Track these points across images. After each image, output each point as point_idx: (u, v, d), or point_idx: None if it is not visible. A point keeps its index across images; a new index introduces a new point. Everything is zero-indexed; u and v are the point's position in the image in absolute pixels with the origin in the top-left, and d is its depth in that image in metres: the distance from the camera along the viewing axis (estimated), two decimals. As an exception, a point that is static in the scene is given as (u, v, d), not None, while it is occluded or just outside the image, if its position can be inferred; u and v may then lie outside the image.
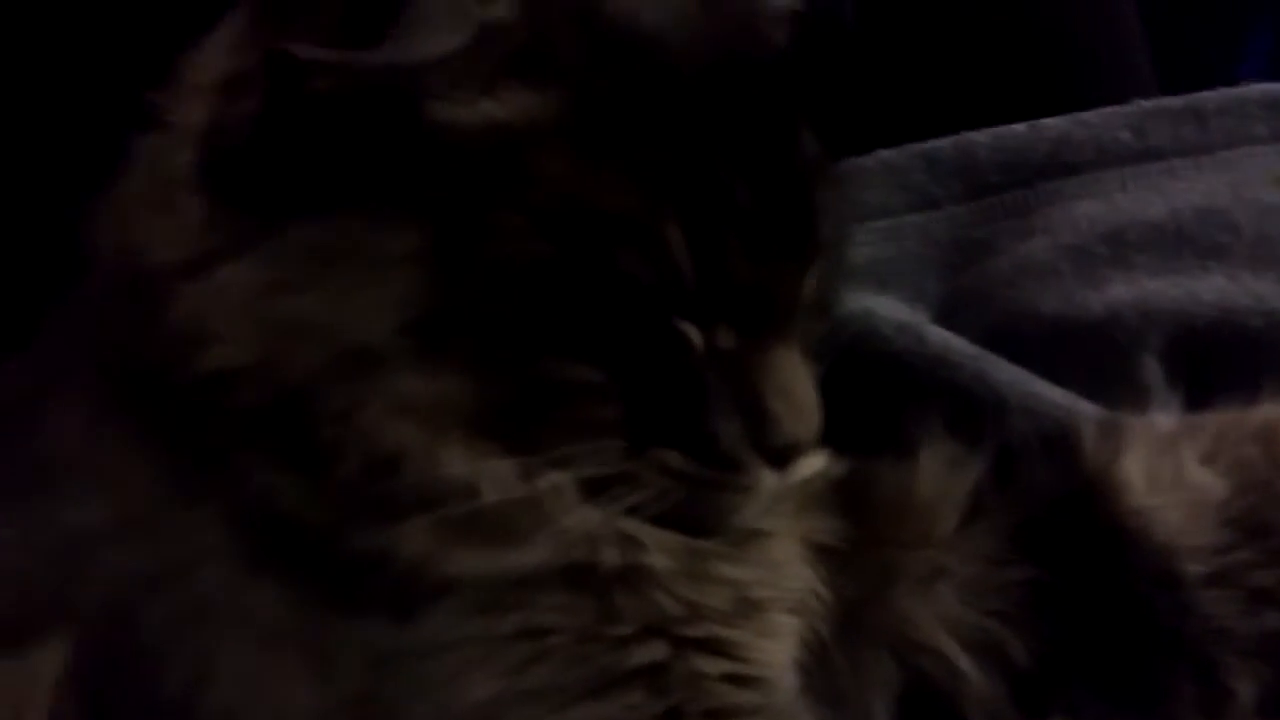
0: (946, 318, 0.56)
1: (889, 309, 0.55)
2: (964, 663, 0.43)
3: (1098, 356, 0.50)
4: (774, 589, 0.42)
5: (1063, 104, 0.57)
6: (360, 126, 0.37)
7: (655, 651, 0.39)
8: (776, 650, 0.42)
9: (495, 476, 0.38)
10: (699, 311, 0.38)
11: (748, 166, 0.39)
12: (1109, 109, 0.55)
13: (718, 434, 0.39)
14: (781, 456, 0.40)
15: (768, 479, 0.40)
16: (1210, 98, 0.53)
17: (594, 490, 0.39)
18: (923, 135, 0.59)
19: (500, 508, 0.38)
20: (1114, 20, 0.68)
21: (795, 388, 0.40)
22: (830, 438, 0.43)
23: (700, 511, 0.41)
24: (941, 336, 0.53)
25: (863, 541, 0.45)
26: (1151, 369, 0.50)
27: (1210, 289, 0.49)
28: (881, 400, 0.49)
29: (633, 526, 0.40)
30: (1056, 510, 0.45)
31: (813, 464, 0.42)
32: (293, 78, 0.36)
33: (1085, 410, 0.48)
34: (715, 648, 0.40)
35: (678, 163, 0.37)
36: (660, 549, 0.40)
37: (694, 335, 0.39)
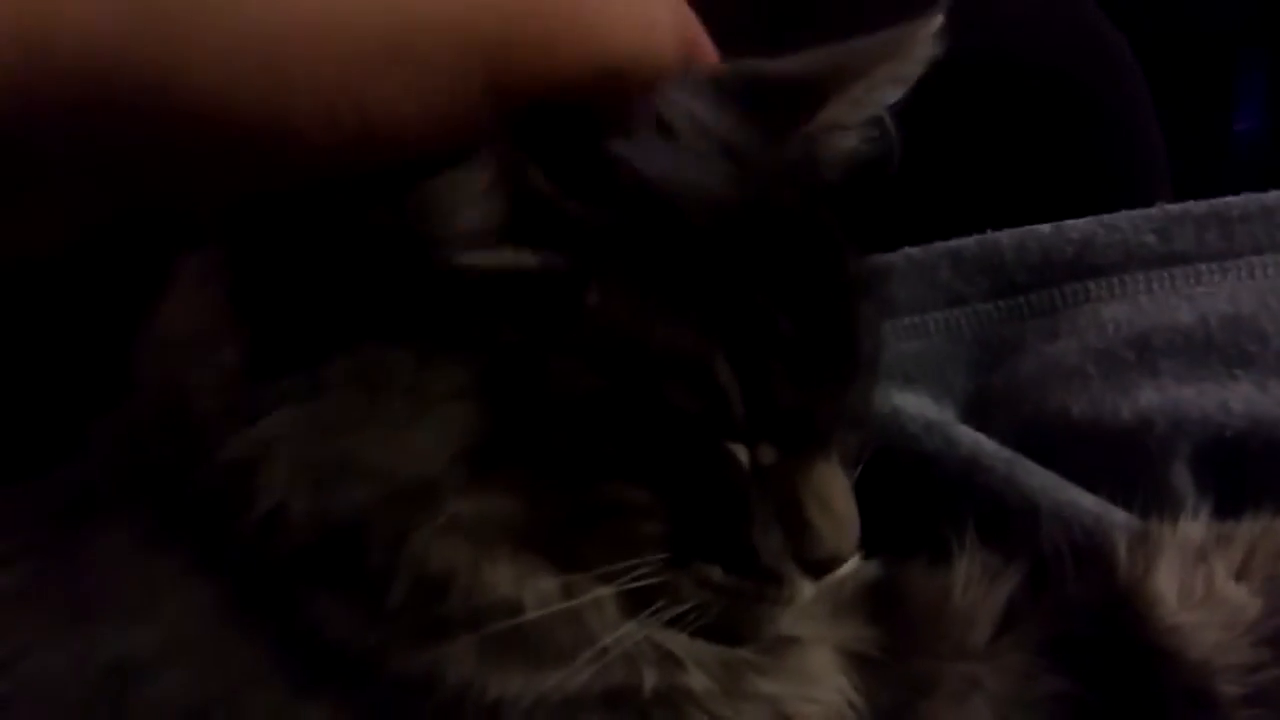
0: (974, 416, 0.56)
1: (916, 406, 0.56)
2: None
3: (1128, 463, 0.51)
4: (810, 702, 0.43)
5: (1087, 206, 0.57)
6: (398, 276, 0.38)
7: None
8: None
9: (539, 592, 0.39)
10: (744, 432, 0.39)
11: (792, 297, 0.40)
12: (1134, 212, 0.55)
13: (758, 548, 0.40)
14: (820, 568, 0.41)
15: (807, 590, 0.41)
16: (1235, 203, 0.54)
17: (635, 605, 0.40)
18: (946, 235, 0.59)
19: (542, 625, 0.38)
20: (1141, 117, 0.69)
21: (835, 501, 0.41)
22: (862, 536, 0.43)
23: (739, 622, 0.41)
24: (972, 438, 0.54)
25: (897, 650, 0.46)
26: (1181, 476, 0.50)
27: (1239, 398, 0.50)
28: (911, 500, 0.49)
29: (671, 641, 0.40)
30: (1090, 624, 0.45)
31: (850, 566, 0.43)
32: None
33: (1117, 518, 0.49)
34: None
35: (723, 298, 0.39)
36: (698, 666, 0.40)
37: (741, 455, 0.39)
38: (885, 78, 0.44)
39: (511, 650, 0.38)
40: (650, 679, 0.39)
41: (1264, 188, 0.56)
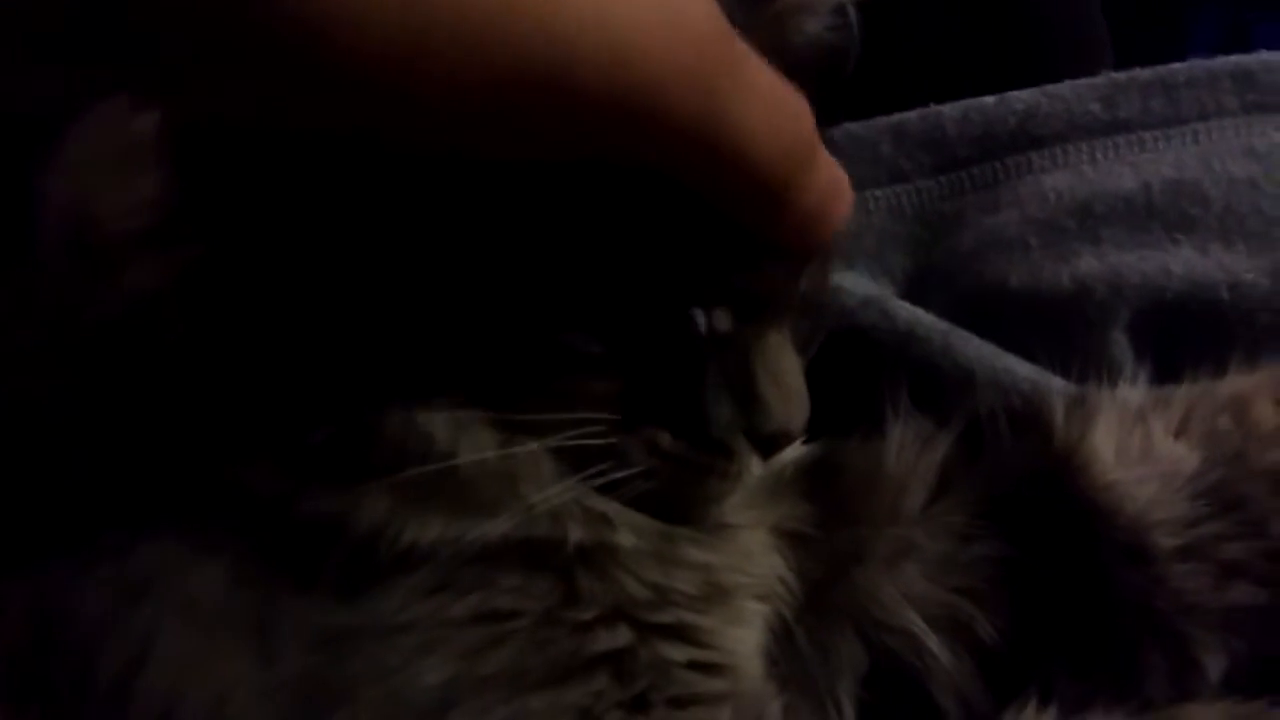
0: (914, 292, 0.55)
1: (855, 284, 0.54)
2: (931, 641, 0.43)
3: (1066, 330, 0.50)
4: (743, 575, 0.42)
5: (1030, 78, 0.56)
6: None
7: (619, 637, 0.38)
8: (744, 637, 0.41)
9: (475, 439, 0.37)
10: (701, 295, 0.38)
11: None
12: (1078, 81, 0.54)
13: (709, 417, 0.39)
14: (770, 444, 0.40)
15: (755, 466, 0.40)
16: (1180, 70, 0.53)
17: (576, 464, 0.38)
18: (888, 109, 0.58)
19: (471, 473, 0.37)
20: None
21: (786, 375, 0.40)
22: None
23: (683, 495, 0.40)
24: (909, 311, 0.52)
25: (831, 523, 0.45)
26: (1120, 342, 0.49)
27: (1180, 261, 0.49)
28: (849, 375, 0.48)
29: (602, 503, 0.39)
30: (1026, 485, 0.44)
31: (792, 451, 0.42)
32: None
33: (1054, 384, 0.48)
34: (682, 634, 0.39)
35: None
36: (629, 528, 0.39)
37: (698, 318, 0.38)
38: None
39: (432, 497, 0.37)
40: (575, 534, 0.38)
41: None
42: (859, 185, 0.56)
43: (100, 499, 0.37)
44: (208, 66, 0.28)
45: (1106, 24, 0.72)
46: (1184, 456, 0.43)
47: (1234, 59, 0.52)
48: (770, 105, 0.34)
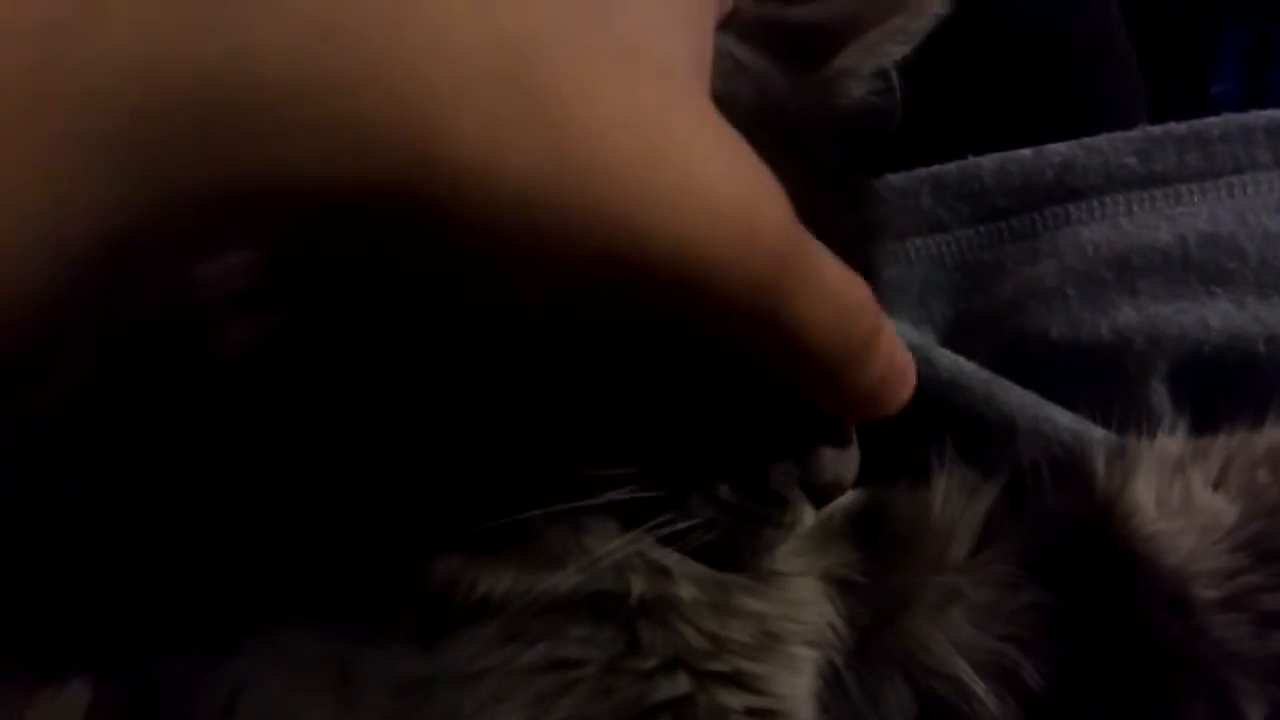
0: (955, 341, 0.56)
1: (898, 332, 0.55)
2: (978, 687, 0.44)
3: (1106, 381, 0.51)
4: (794, 623, 0.43)
5: (1068, 130, 0.57)
6: None
7: (679, 685, 0.39)
8: (796, 684, 0.43)
9: (544, 490, 0.38)
10: None
11: (815, 230, 0.39)
12: (1114, 134, 0.55)
13: (767, 470, 0.40)
14: (824, 495, 0.42)
15: (808, 515, 0.42)
16: (1215, 124, 0.54)
17: (639, 516, 0.40)
18: (929, 160, 0.59)
19: (540, 528, 0.38)
20: (1112, 49, 0.69)
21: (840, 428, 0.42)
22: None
23: (739, 544, 0.42)
24: (951, 360, 0.54)
25: (879, 570, 0.46)
26: (1159, 393, 0.50)
27: (1217, 315, 0.50)
28: (893, 423, 0.50)
29: (662, 554, 0.40)
30: (1068, 535, 0.45)
31: (843, 499, 0.44)
32: None
33: (1095, 434, 0.49)
34: (738, 681, 0.41)
35: None
36: (688, 580, 0.41)
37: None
38: (898, 28, 0.45)
39: (504, 550, 0.38)
40: (638, 587, 0.40)
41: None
42: (900, 235, 0.58)
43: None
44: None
45: (1138, 41, 0.73)
46: (1223, 509, 0.44)
47: (1267, 114, 0.54)
48: (833, 299, 0.35)
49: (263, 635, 0.38)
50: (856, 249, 0.43)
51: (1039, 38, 0.69)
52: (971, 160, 0.58)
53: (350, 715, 0.38)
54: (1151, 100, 0.73)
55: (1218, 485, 0.45)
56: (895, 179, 0.59)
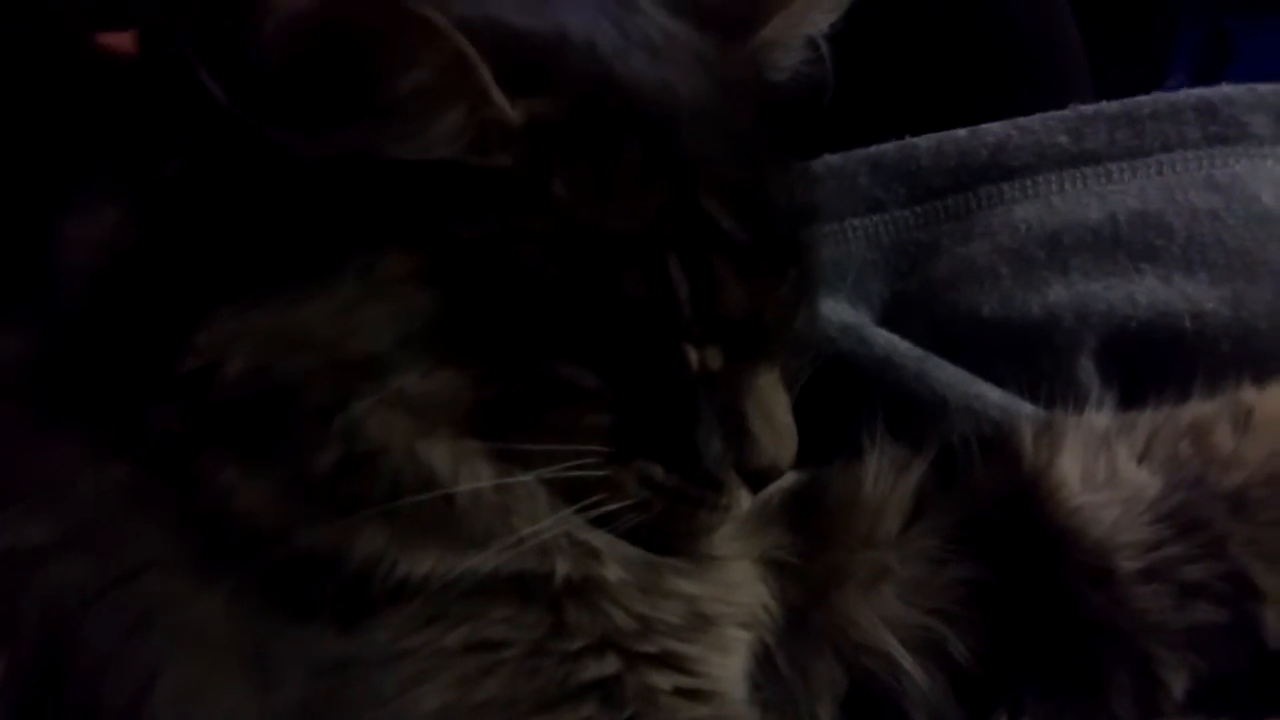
0: (891, 320, 0.56)
1: (834, 311, 0.56)
2: (906, 662, 0.44)
3: (1036, 358, 0.51)
4: (726, 605, 0.43)
5: (1006, 110, 0.57)
6: (350, 181, 0.37)
7: (607, 666, 0.39)
8: (728, 664, 0.43)
9: (473, 469, 0.39)
10: (693, 334, 0.40)
11: (746, 206, 0.40)
12: (1047, 114, 0.56)
13: (701, 451, 0.40)
14: (760, 479, 0.42)
15: (744, 499, 0.42)
16: (1145, 102, 0.54)
17: (571, 496, 0.40)
18: (867, 140, 0.59)
19: (466, 505, 0.38)
20: (1055, 26, 0.69)
21: (777, 413, 0.42)
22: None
23: (674, 527, 0.42)
24: (886, 338, 0.54)
25: (812, 549, 0.46)
26: (1087, 369, 0.51)
27: (1144, 291, 0.50)
28: (829, 401, 0.50)
29: (592, 535, 0.40)
30: (996, 509, 0.46)
31: (780, 483, 0.44)
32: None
33: (1024, 410, 0.50)
34: (668, 662, 0.41)
35: (675, 198, 0.39)
36: (615, 560, 0.41)
37: (690, 355, 0.40)
38: None
39: (427, 529, 0.38)
40: (563, 567, 0.39)
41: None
42: (838, 215, 0.58)
43: None
44: None
45: (1092, 35, 0.73)
46: (1147, 481, 0.44)
47: (1196, 92, 0.54)
48: None
49: (177, 612, 0.38)
50: (797, 227, 0.43)
51: (985, 14, 0.69)
52: (908, 141, 0.58)
53: (269, 697, 0.38)
54: (1105, 96, 0.74)
55: (1142, 458, 0.45)
56: (833, 159, 0.59)
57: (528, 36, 0.39)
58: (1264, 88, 0.53)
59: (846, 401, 0.50)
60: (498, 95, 0.37)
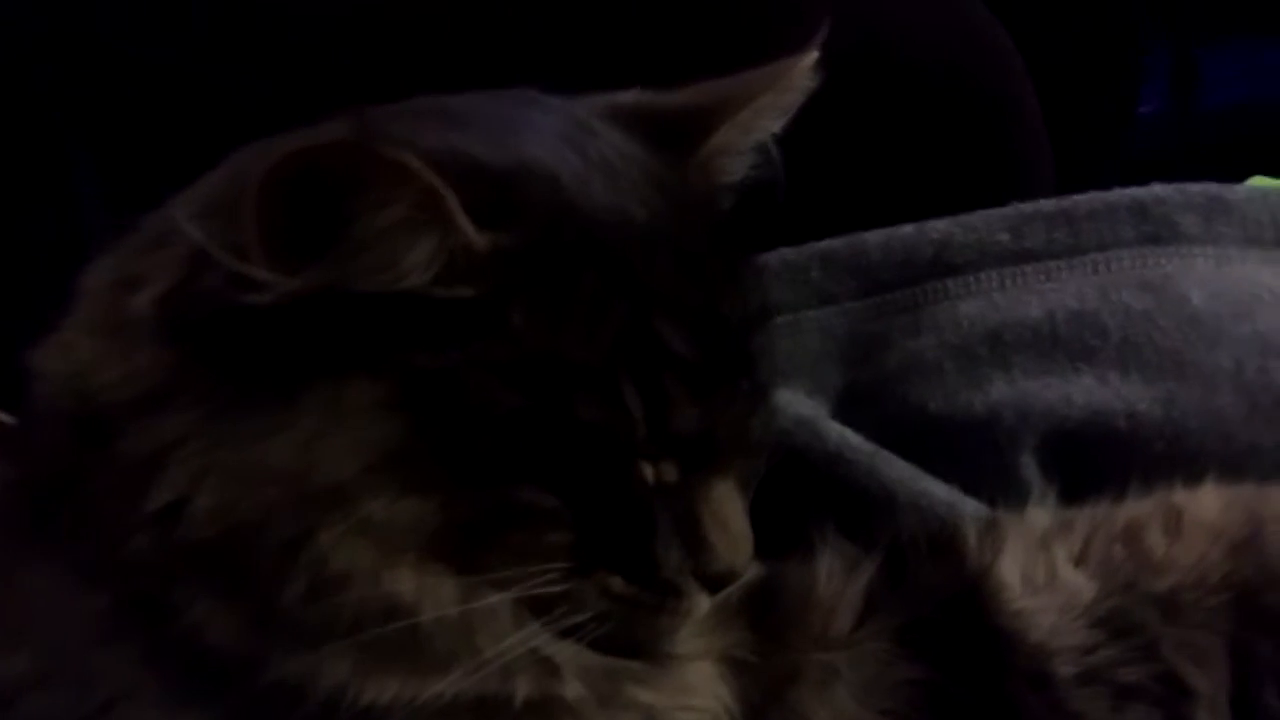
0: (845, 411, 0.58)
1: (790, 403, 0.57)
2: None
3: (979, 454, 0.53)
4: (686, 710, 0.45)
5: (976, 194, 0.59)
6: (317, 316, 0.38)
7: None
8: None
9: (438, 595, 0.40)
10: (648, 451, 0.41)
11: (694, 323, 0.42)
12: (990, 211, 0.58)
13: (659, 561, 0.42)
14: (718, 583, 0.43)
15: (703, 603, 0.43)
16: (1081, 201, 0.56)
17: (535, 610, 0.41)
18: (820, 233, 0.61)
19: (429, 631, 0.39)
20: (1020, 110, 0.71)
21: (732, 521, 0.43)
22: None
23: (635, 634, 0.43)
24: (838, 432, 0.56)
25: (768, 647, 0.48)
26: (1029, 466, 0.52)
27: (1081, 390, 0.52)
28: (785, 494, 0.51)
29: (553, 649, 0.41)
30: (943, 610, 0.47)
31: (740, 582, 0.45)
32: (246, 289, 0.38)
33: (968, 507, 0.51)
34: None
35: (629, 323, 0.40)
36: (575, 675, 0.42)
37: (645, 471, 0.41)
38: (769, 105, 0.47)
39: (391, 656, 0.39)
40: (523, 689, 0.41)
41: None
42: (792, 308, 0.60)
43: None
44: None
45: (1063, 68, 0.75)
46: (1083, 585, 0.46)
47: (1130, 192, 0.56)
48: None
49: None
50: (749, 337, 0.45)
51: (947, 99, 0.71)
52: (858, 236, 0.60)
53: None
54: (1081, 123, 0.75)
55: (1079, 561, 0.47)
56: (788, 253, 0.61)
57: (490, 170, 0.40)
58: (1193, 188, 0.56)
59: (801, 495, 0.52)
60: (465, 224, 0.38)
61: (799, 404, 0.58)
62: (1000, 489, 0.51)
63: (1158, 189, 0.55)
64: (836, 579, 0.49)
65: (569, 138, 0.44)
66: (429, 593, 0.40)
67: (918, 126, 0.71)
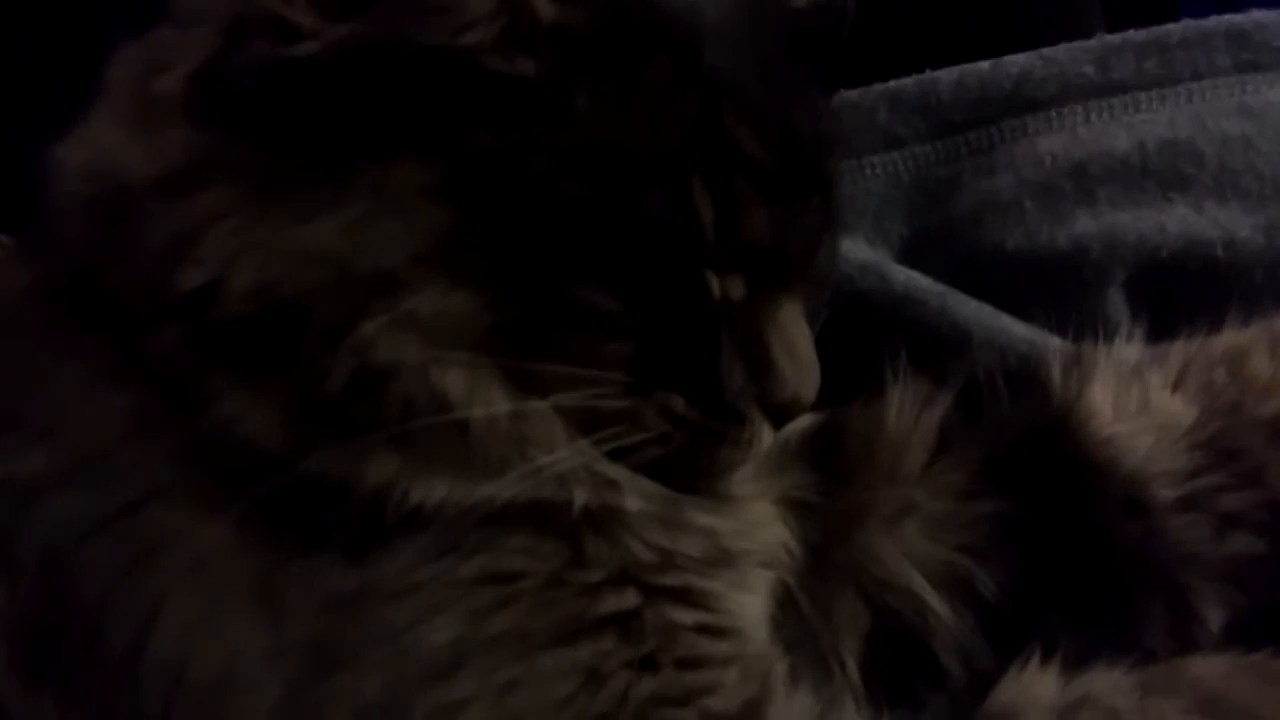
0: (911, 258, 0.55)
1: (851, 250, 0.54)
2: (932, 599, 0.43)
3: (1063, 290, 0.50)
4: (748, 542, 0.42)
5: (1024, 44, 0.56)
6: (368, 80, 0.36)
7: (626, 599, 0.38)
8: (749, 602, 0.42)
9: (489, 395, 0.37)
10: (715, 260, 0.39)
11: (768, 128, 0.39)
12: (1072, 44, 0.54)
13: (723, 383, 0.39)
14: (783, 413, 0.41)
15: (766, 434, 0.41)
16: (1174, 30, 0.53)
17: (589, 425, 0.38)
18: (886, 75, 0.58)
19: (481, 432, 0.37)
20: None
21: (799, 344, 0.41)
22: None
23: (694, 463, 0.40)
24: (906, 275, 0.53)
25: (834, 488, 0.45)
26: (1116, 301, 0.49)
27: (1175, 220, 0.49)
28: (850, 339, 0.48)
29: (610, 468, 0.39)
30: (1025, 443, 0.44)
31: (798, 423, 0.43)
32: (294, 41, 0.36)
33: (1051, 344, 0.48)
34: (688, 597, 0.39)
35: (701, 119, 0.38)
36: (635, 493, 0.39)
37: (712, 283, 0.39)
38: None
39: (441, 455, 0.37)
40: (581, 498, 0.38)
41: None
42: (856, 153, 0.57)
43: None
44: None
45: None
46: (1181, 410, 0.43)
47: (1227, 19, 0.53)
48: None
49: (181, 543, 0.37)
50: (817, 160, 0.42)
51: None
52: (928, 75, 0.57)
53: (276, 631, 0.36)
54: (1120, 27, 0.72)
55: (1176, 387, 0.44)
56: (851, 95, 0.58)
57: None
58: (1296, 13, 0.52)
59: (866, 340, 0.49)
60: None
61: (861, 250, 0.55)
62: (1086, 327, 0.48)
63: (1258, 15, 0.52)
64: (908, 414, 0.46)
65: None
66: (479, 391, 0.37)
67: None
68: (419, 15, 0.35)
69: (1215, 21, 0.53)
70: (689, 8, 0.39)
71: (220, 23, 0.38)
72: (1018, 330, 0.49)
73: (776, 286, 0.40)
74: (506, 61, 0.36)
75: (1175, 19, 0.54)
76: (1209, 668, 0.40)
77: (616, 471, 0.39)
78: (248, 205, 0.37)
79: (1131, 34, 0.54)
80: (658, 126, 0.37)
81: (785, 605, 0.44)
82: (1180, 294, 0.49)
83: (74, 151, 0.41)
